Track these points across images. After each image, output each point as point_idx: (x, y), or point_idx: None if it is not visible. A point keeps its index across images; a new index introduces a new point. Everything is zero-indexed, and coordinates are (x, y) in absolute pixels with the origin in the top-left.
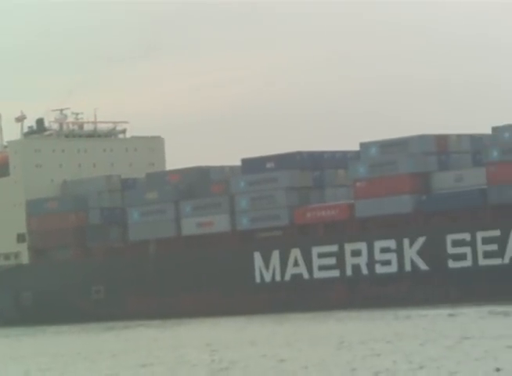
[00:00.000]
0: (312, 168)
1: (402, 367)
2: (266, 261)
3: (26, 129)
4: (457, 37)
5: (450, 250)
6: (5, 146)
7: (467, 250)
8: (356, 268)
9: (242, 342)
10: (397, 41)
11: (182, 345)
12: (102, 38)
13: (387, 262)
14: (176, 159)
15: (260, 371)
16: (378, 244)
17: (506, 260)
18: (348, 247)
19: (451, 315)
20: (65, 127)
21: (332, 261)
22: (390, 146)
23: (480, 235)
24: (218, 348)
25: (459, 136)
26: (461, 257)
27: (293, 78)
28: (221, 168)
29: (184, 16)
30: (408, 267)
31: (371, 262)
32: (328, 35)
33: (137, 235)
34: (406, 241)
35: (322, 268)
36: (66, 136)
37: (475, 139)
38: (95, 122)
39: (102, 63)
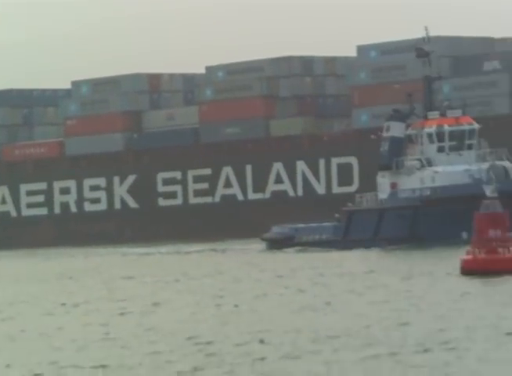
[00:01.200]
0: (22, 106)
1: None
2: None
3: None
4: None
5: (161, 188)
6: None
7: (178, 188)
8: (65, 206)
9: None
10: None
11: None
12: None
13: (97, 200)
14: None
15: None
16: (87, 182)
17: (217, 199)
18: (57, 185)
19: (146, 253)
20: None
21: (40, 199)
22: (102, 85)
23: (191, 173)
24: None
25: (171, 75)
26: (172, 195)
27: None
28: None
29: None
30: (118, 205)
31: (80, 200)
32: None
33: None
34: (116, 179)
35: (30, 206)
36: None
37: (188, 79)
38: None
39: None
